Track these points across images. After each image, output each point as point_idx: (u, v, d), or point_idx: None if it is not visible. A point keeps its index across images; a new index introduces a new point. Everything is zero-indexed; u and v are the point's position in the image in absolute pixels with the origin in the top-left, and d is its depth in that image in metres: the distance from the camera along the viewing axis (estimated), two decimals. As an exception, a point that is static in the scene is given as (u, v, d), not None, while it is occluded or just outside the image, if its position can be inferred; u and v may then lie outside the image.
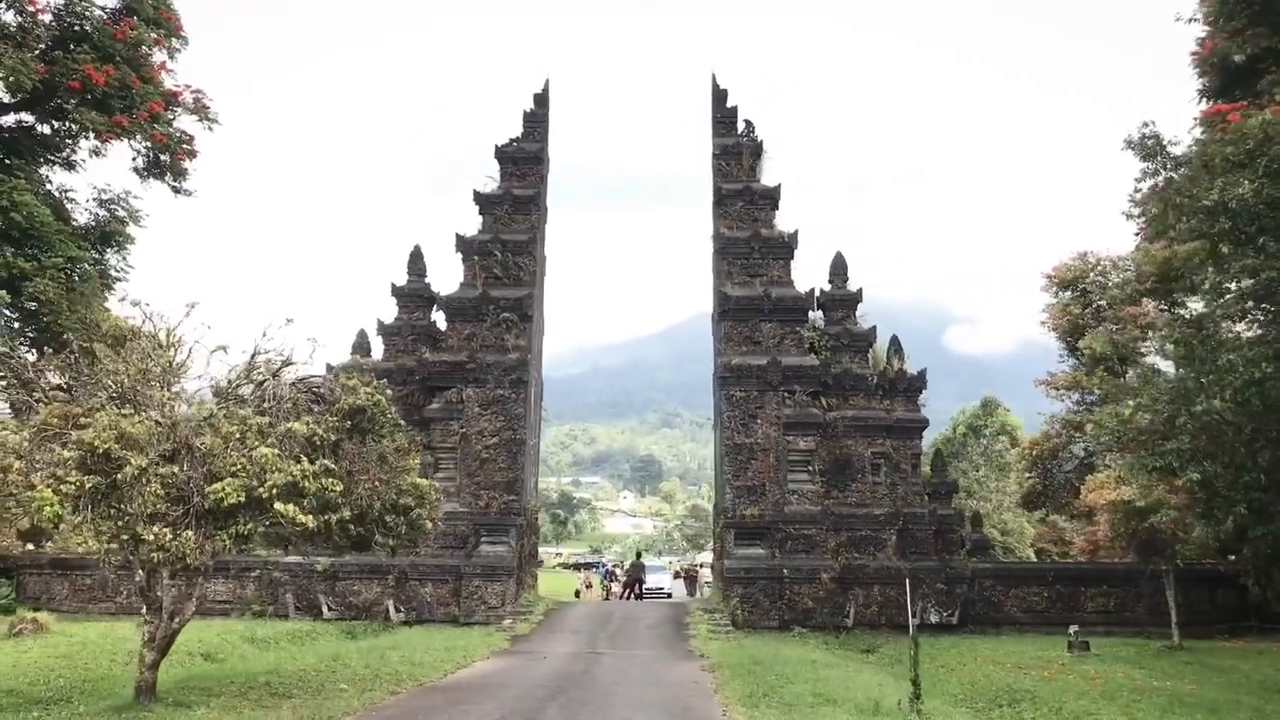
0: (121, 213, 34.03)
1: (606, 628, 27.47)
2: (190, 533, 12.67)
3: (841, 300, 32.67)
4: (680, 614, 30.60)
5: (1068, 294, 27.55)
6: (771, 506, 30.81)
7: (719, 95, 34.92)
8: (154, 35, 32.39)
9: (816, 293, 33.03)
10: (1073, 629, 25.07)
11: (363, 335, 33.94)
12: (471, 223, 34.57)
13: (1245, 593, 29.91)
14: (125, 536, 12.95)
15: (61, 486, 12.31)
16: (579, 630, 27.04)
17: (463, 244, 33.18)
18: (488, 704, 15.83)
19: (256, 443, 13.00)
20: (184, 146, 34.32)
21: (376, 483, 14.51)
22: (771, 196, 33.26)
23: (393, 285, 33.28)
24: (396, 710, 15.27)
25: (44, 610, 29.83)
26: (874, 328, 32.39)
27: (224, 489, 12.57)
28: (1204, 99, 26.17)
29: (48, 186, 33.44)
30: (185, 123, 34.52)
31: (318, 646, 25.13)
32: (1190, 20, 24.67)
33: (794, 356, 31.68)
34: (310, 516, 13.09)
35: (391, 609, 30.25)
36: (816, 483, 31.14)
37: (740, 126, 34.40)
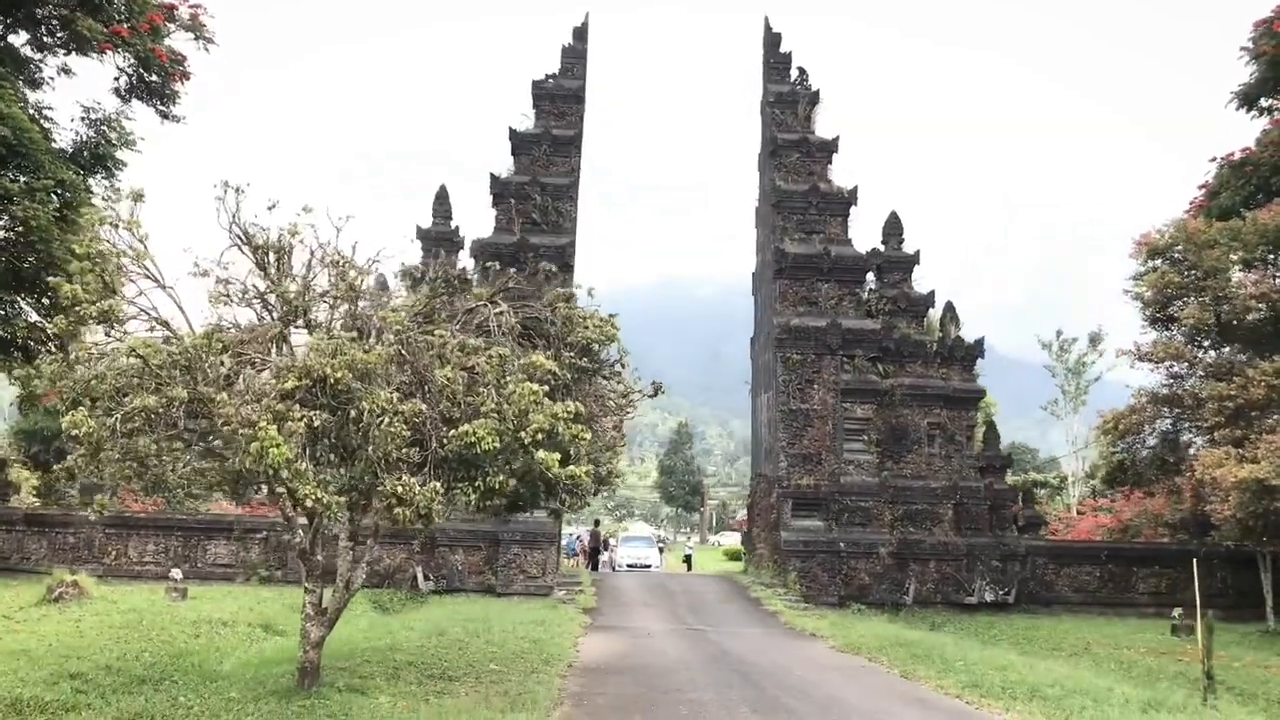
0: (112, 134, 30.54)
1: (674, 602, 25.53)
2: (437, 484, 10.31)
3: (897, 262, 31.06)
4: (731, 586, 28.80)
5: (1158, 261, 26.29)
6: (827, 476, 29.16)
7: (772, 40, 32.91)
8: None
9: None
10: (1176, 611, 24.05)
11: (381, 280, 31.12)
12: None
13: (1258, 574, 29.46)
14: (359, 488, 10.56)
15: (289, 425, 9.85)
16: (648, 604, 25.06)
17: (497, 185, 30.61)
18: (684, 692, 13.81)
19: (516, 378, 10.69)
20: (178, 67, 30.98)
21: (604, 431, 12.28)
22: (829, 149, 31.43)
23: (417, 228, 30.53)
24: (602, 695, 13.16)
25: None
26: (932, 292, 30.90)
27: (476, 431, 10.25)
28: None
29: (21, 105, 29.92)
30: (178, 41, 31.20)
31: (371, 617, 22.79)
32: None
33: (853, 319, 30.00)
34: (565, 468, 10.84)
35: (420, 577, 27.82)
36: (872, 453, 29.59)
37: (793, 74, 32.44)
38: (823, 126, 31.99)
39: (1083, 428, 60.36)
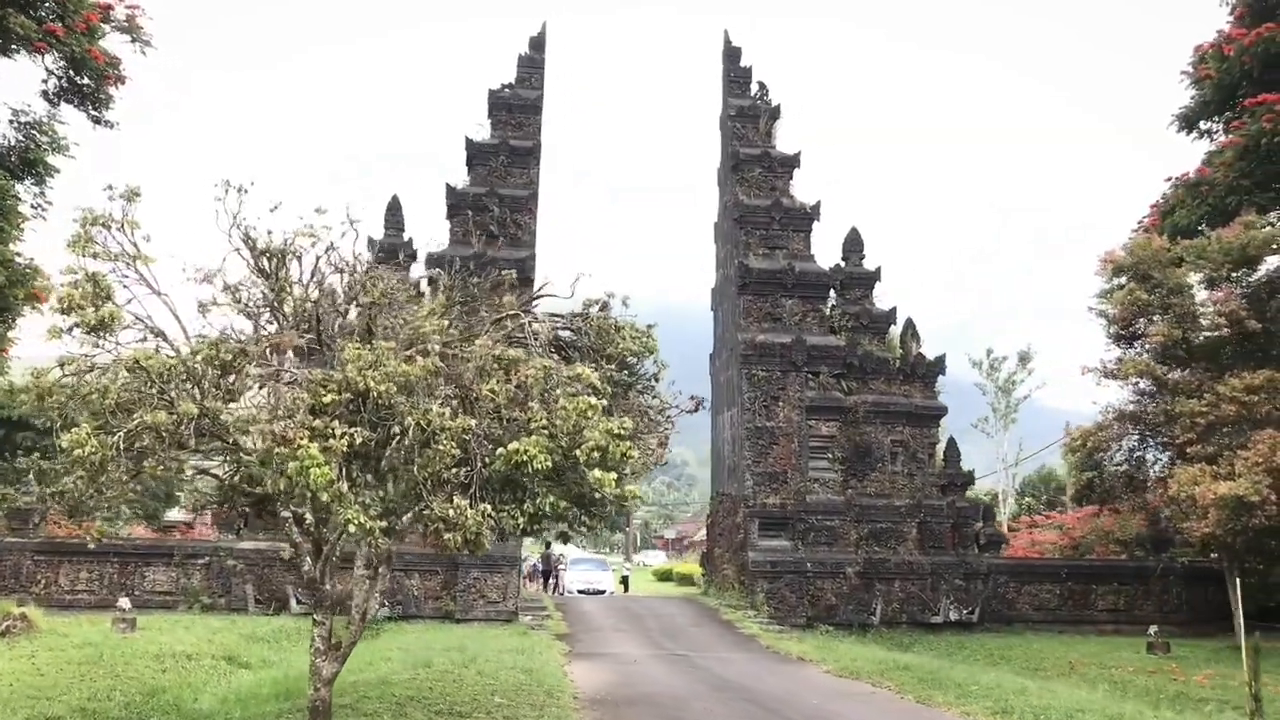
0: (43, 139, 28.91)
1: (644, 626, 24.75)
2: (487, 506, 9.48)
3: (859, 278, 30.84)
4: (697, 609, 28.11)
5: (1121, 279, 26.45)
6: (793, 495, 28.71)
7: (731, 53, 32.55)
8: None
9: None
10: (1152, 629, 24.03)
11: (331, 296, 29.91)
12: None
13: (1223, 589, 29.81)
14: (397, 511, 9.66)
15: (330, 443, 8.94)
16: (620, 629, 24.26)
17: (453, 196, 29.66)
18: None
19: (565, 392, 9.90)
20: (113, 70, 29.52)
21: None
22: (791, 164, 31.11)
23: (369, 240, 29.41)
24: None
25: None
26: (894, 309, 30.72)
27: (527, 450, 9.44)
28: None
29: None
30: (113, 42, 29.75)
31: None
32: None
33: (817, 335, 29.66)
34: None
35: (374, 604, 26.56)
36: (837, 471, 29.25)
37: (754, 88, 32.10)
38: (785, 140, 31.85)
39: (1013, 446, 61.25)
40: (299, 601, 26.70)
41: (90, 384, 10.45)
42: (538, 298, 11.62)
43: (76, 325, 10.74)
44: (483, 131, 30.91)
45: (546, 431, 9.73)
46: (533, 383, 10.08)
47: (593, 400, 9.69)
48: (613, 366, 11.04)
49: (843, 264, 31.09)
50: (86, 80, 29.35)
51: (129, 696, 13.89)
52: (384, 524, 9.39)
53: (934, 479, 30.09)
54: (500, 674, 16.17)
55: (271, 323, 11.91)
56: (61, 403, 10.50)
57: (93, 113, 29.99)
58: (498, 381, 9.93)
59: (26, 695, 13.09)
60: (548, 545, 39.72)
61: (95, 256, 11.17)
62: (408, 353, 9.87)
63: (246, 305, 11.62)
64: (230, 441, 10.77)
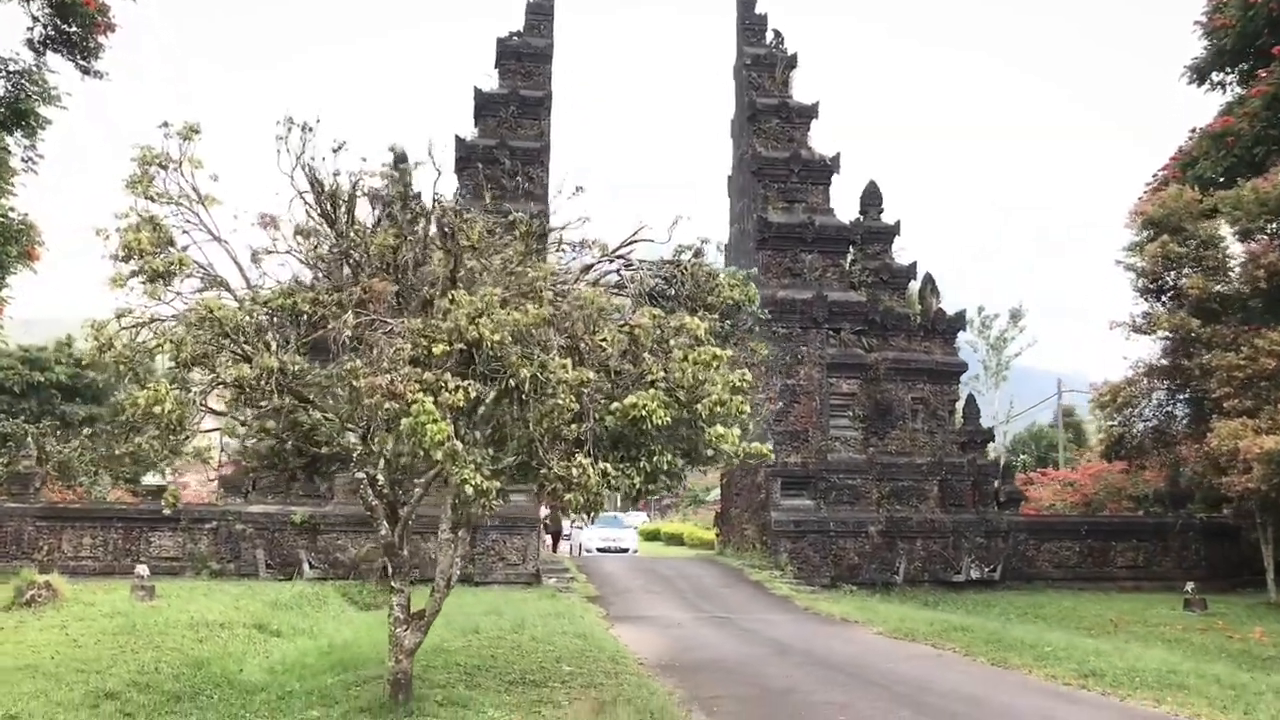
0: (33, 89, 27.65)
1: (674, 588, 24.19)
2: (607, 465, 8.79)
3: (878, 232, 30.17)
4: (721, 570, 27.59)
5: (1149, 232, 25.98)
6: (814, 454, 28.18)
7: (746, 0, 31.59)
8: None
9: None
10: (1189, 585, 23.74)
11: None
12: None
13: (1240, 545, 29.71)
14: (509, 470, 8.96)
15: (444, 396, 8.20)
16: (651, 590, 23.71)
17: (462, 149, 28.65)
18: (801, 693, 12.57)
19: (679, 342, 9.21)
20: (101, 17, 28.25)
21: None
22: (809, 114, 30.28)
23: (369, 195, 28.32)
24: (717, 699, 11.79)
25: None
26: (914, 263, 30.15)
27: (645, 404, 8.75)
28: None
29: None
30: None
31: (360, 616, 21.06)
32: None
33: (837, 291, 29.01)
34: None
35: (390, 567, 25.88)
36: (858, 429, 28.73)
37: (769, 36, 31.20)
38: (800, 93, 30.90)
39: (1003, 404, 61.18)
40: (312, 566, 26.03)
41: (162, 335, 9.66)
42: (632, 242, 10.88)
43: (139, 273, 9.93)
44: (491, 82, 29.88)
45: (665, 385, 9.04)
46: (643, 334, 9.36)
47: (716, 351, 9.01)
48: (715, 316, 10.33)
49: (861, 218, 30.41)
50: (74, 28, 28.10)
51: (175, 669, 13.18)
52: (498, 484, 8.66)
53: (954, 436, 29.67)
54: (555, 640, 15.57)
55: (341, 270, 11.14)
56: (128, 357, 9.68)
57: (81, 62, 28.75)
58: (610, 332, 9.20)
59: (74, 669, 12.35)
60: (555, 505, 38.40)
61: (154, 199, 10.33)
62: (515, 300, 9.12)
63: (317, 252, 10.84)
64: (311, 397, 10.03)
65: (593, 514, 9.09)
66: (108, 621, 16.02)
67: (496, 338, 8.45)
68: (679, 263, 11.13)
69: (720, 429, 9.09)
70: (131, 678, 12.20)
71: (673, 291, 10.94)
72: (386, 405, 8.20)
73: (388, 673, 10.90)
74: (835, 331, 28.74)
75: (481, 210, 26.85)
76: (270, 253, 11.27)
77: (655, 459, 9.26)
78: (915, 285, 30.70)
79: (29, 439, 28.07)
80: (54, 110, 28.00)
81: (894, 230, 30.22)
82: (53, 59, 28.50)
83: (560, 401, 8.58)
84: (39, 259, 29.00)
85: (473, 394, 8.41)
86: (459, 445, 8.29)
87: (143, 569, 20.55)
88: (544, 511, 33.84)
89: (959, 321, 30.27)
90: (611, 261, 10.68)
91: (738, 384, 9.22)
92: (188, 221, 10.54)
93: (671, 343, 9.31)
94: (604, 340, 9.12)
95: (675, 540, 50.54)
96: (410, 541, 27.21)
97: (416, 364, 8.65)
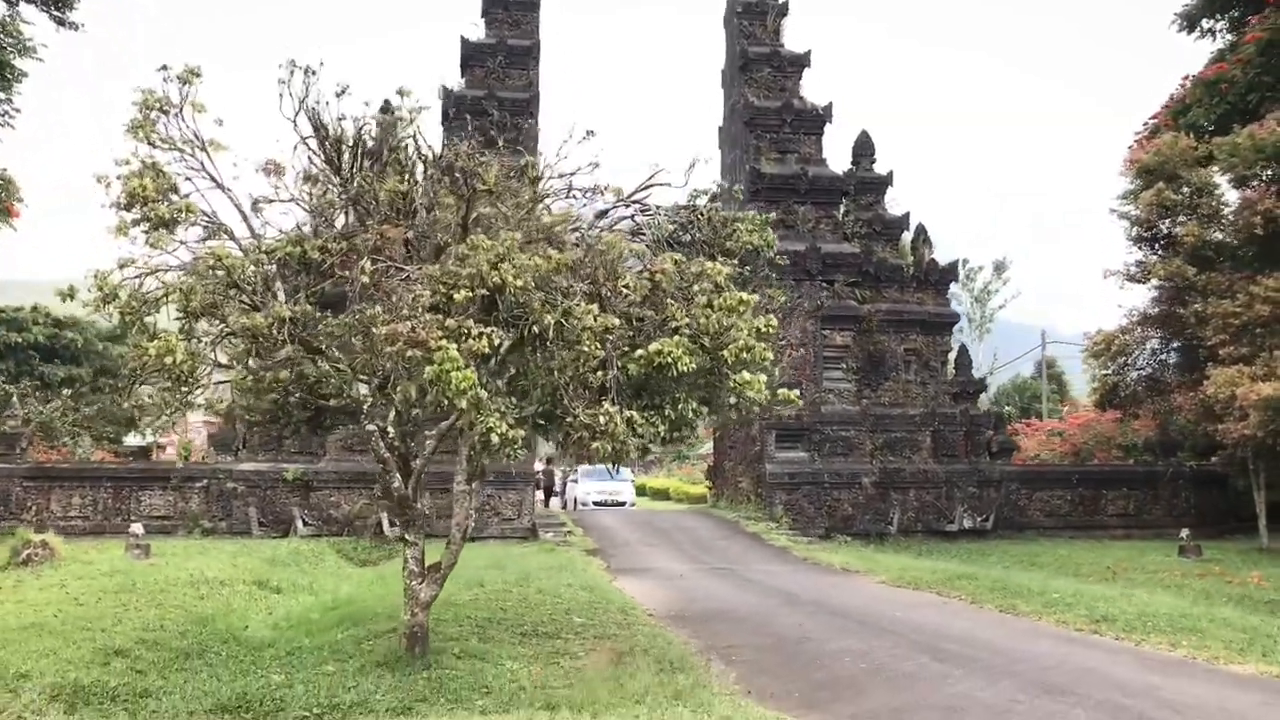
0: (7, 40, 27.04)
1: (671, 540, 24.14)
2: (634, 413, 8.61)
3: (871, 183, 29.94)
4: (716, 522, 27.56)
5: (1147, 178, 25.83)
6: (808, 406, 28.05)
7: (736, -54, 31.07)
8: None
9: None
10: (1184, 533, 23.78)
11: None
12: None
13: (1228, 493, 29.93)
14: (531, 419, 8.76)
15: (469, 343, 7.99)
16: (650, 543, 23.65)
17: (449, 100, 28.19)
18: (815, 641, 12.51)
19: (702, 288, 9.01)
20: (76, -34, 27.65)
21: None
22: (801, 64, 29.94)
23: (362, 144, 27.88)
24: (734, 649, 11.72)
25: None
26: (907, 214, 29.95)
27: (670, 351, 8.57)
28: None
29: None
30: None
31: (358, 572, 20.96)
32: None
33: (831, 243, 28.82)
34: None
35: (386, 523, 25.76)
36: (851, 381, 28.67)
37: (760, -16, 30.73)
38: (791, 42, 30.49)
39: (987, 356, 61.41)
40: (305, 523, 25.85)
41: (170, 286, 9.39)
42: (648, 186, 10.62)
43: (143, 221, 9.63)
44: (478, 32, 29.37)
45: (689, 331, 8.85)
46: (665, 279, 9.15)
47: (744, 295, 8.82)
48: (735, 261, 10.11)
49: (854, 168, 30.15)
50: (46, -24, 27.51)
51: (180, 625, 13.03)
52: (524, 433, 8.47)
53: (946, 387, 29.67)
54: (562, 592, 15.45)
55: (347, 217, 10.88)
56: (134, 307, 9.41)
57: (55, 13, 28.16)
58: (632, 278, 8.98)
59: (79, 627, 12.15)
60: (549, 460, 38.08)
61: (156, 145, 10.00)
62: (534, 245, 8.89)
63: (326, 198, 10.56)
64: (322, 347, 9.80)
65: (617, 463, 8.92)
66: (107, 580, 15.80)
67: (519, 283, 8.21)
68: (695, 208, 10.90)
69: (746, 375, 8.91)
70: (138, 635, 12.04)
71: (689, 237, 10.71)
72: (409, 353, 7.97)
73: (403, 626, 10.77)
74: (829, 283, 28.58)
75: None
76: (271, 201, 11.00)
77: (680, 407, 9.08)
78: (908, 237, 30.53)
79: (14, 399, 27.70)
80: (32, 64, 27.45)
81: (887, 181, 30.01)
82: (27, 10, 27.93)
83: (585, 349, 8.38)
84: (18, 216, 28.49)
85: (496, 341, 8.19)
86: (483, 393, 8.08)
87: (138, 527, 20.32)
88: (538, 466, 33.69)
89: (951, 273, 30.17)
90: (627, 206, 10.42)
91: (763, 329, 9.03)
92: (190, 169, 10.23)
93: (695, 288, 9.10)
94: (626, 286, 8.91)
95: (661, 495, 50.45)
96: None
97: (435, 311, 8.42)
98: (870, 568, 19.90)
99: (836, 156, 30.81)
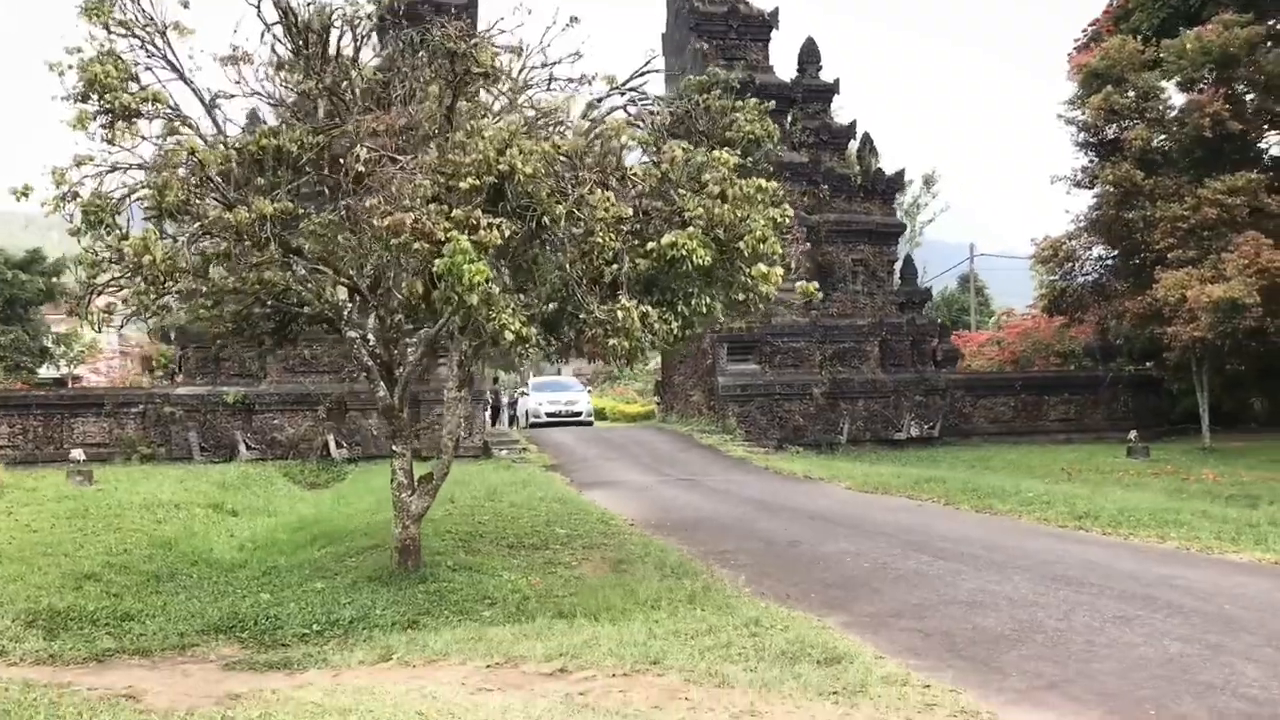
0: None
1: (630, 454, 23.87)
2: (649, 309, 8.20)
3: (817, 91, 29.52)
4: (670, 436, 27.36)
5: (1095, 83, 25.74)
6: (759, 318, 27.82)
7: None
8: None
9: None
10: (1132, 434, 24.14)
11: (253, 116, 27.27)
12: None
13: (1164, 396, 30.66)
14: (543, 316, 8.28)
15: (477, 235, 7.47)
16: (609, 458, 23.35)
17: (380, 7, 26.89)
18: (807, 544, 12.37)
19: (715, 176, 8.57)
20: None
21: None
22: (747, -31, 29.24)
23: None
24: (729, 555, 11.51)
25: None
26: (854, 122, 29.63)
27: (684, 243, 8.15)
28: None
29: None
30: None
31: (308, 495, 20.41)
32: None
33: (780, 152, 28.36)
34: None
35: (333, 444, 25.18)
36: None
37: (704, -118, 29.77)
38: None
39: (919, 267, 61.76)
40: (249, 447, 25.13)
41: (138, 182, 8.69)
42: (643, 72, 10.11)
43: (106, 111, 8.90)
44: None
45: (702, 223, 8.43)
46: (674, 169, 8.70)
47: (761, 183, 8.41)
48: (736, 152, 9.65)
49: (800, 75, 29.67)
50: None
51: (144, 549, 12.50)
52: (536, 330, 8.02)
53: (893, 297, 29.71)
54: (536, 505, 15.13)
55: (318, 108, 10.20)
56: (98, 205, 8.70)
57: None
58: (641, 166, 8.51)
59: (40, 553, 11.52)
60: (495, 379, 36.89)
61: (112, 29, 9.23)
62: (535, 132, 8.35)
63: (300, 88, 9.87)
64: (301, 247, 9.21)
65: (631, 362, 8.53)
66: (56, 505, 15.13)
67: (528, 170, 7.69)
68: (691, 97, 10.42)
69: (763, 268, 8.54)
70: (104, 559, 11.48)
71: (686, 128, 10.23)
72: (415, 245, 7.43)
73: (394, 539, 10.34)
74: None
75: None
76: (233, 97, 10.27)
77: (694, 302, 8.68)
78: (854, 146, 30.23)
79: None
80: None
81: (833, 89, 29.61)
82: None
83: (600, 240, 7.91)
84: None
85: (506, 233, 7.68)
86: (494, 289, 7.59)
87: (78, 453, 19.54)
88: (487, 386, 32.91)
89: (898, 182, 30.05)
90: (622, 94, 9.89)
91: (779, 220, 8.65)
92: (150, 57, 9.46)
93: (706, 177, 8.65)
94: (635, 175, 8.43)
95: (598, 415, 50.22)
96: (350, 419, 26.50)
97: (436, 202, 7.88)
98: (833, 475, 19.88)
99: (783, 66, 30.34)
